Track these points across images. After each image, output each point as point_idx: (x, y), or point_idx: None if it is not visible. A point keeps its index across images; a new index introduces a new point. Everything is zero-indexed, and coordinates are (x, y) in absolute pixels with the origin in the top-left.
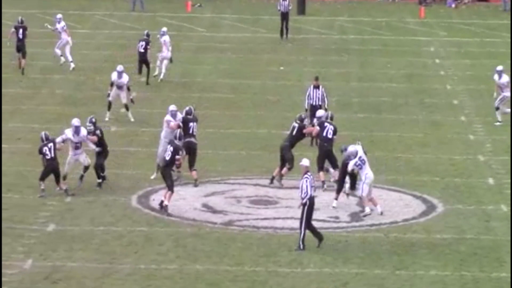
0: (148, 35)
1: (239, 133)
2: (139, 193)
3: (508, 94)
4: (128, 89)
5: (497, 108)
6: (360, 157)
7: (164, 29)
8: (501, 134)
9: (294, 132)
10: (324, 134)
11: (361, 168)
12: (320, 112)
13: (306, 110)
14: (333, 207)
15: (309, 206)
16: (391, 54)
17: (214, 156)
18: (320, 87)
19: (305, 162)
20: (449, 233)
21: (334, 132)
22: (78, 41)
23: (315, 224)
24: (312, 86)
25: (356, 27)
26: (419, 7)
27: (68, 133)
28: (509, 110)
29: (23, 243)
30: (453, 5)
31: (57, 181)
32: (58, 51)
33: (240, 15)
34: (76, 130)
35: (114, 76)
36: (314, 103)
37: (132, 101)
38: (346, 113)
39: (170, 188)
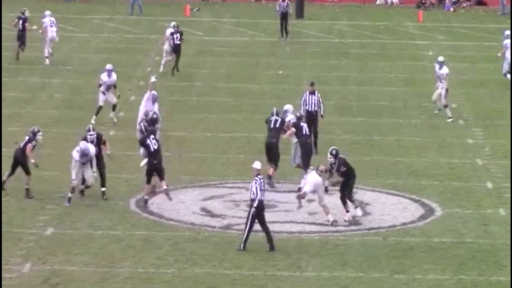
0: (177, 26)
1: (238, 137)
2: (138, 197)
3: (444, 86)
4: (115, 86)
5: (446, 106)
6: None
7: (173, 23)
8: (500, 138)
9: (278, 125)
10: (303, 132)
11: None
12: (287, 106)
13: (302, 116)
14: (344, 220)
15: (259, 209)
16: (390, 58)
17: (213, 160)
18: (316, 92)
19: (257, 165)
20: (447, 237)
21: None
22: (76, 45)
23: (313, 228)
24: (307, 92)
25: (355, 31)
26: (417, 11)
27: (75, 155)
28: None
29: (22, 247)
30: (452, 9)
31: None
32: (46, 50)
33: (239, 19)
34: (84, 153)
35: (104, 76)
36: (310, 109)
37: (118, 96)
38: (345, 117)
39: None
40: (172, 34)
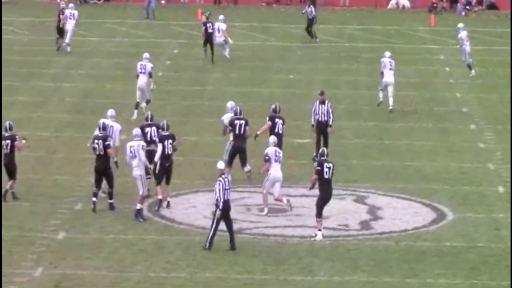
0: (208, 16)
1: (249, 141)
2: (149, 201)
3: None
4: (150, 75)
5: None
6: (276, 151)
7: (221, 17)
8: None
9: (242, 131)
10: (276, 130)
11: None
12: (228, 104)
13: (313, 126)
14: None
15: (224, 209)
16: (401, 62)
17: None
18: (326, 102)
19: (220, 165)
20: (459, 242)
21: (283, 125)
22: (88, 49)
23: (324, 232)
24: (318, 101)
25: (366, 35)
26: (429, 15)
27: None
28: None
29: (33, 251)
30: (463, 13)
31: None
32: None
33: (250, 23)
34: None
35: (138, 66)
36: (320, 119)
37: (151, 90)
38: (356, 121)
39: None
40: (204, 23)
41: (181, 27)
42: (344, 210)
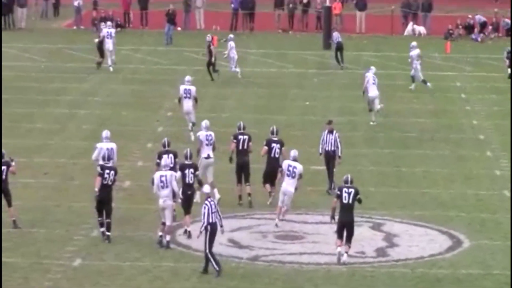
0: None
1: (264, 168)
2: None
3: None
4: (196, 100)
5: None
6: (289, 165)
7: (231, 35)
8: None
9: (245, 146)
10: (272, 155)
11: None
12: (203, 122)
13: (320, 154)
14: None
15: (210, 232)
16: (417, 89)
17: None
18: (334, 132)
19: (206, 189)
20: (475, 269)
21: (281, 149)
22: (104, 75)
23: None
24: (326, 131)
25: (382, 61)
26: (445, 42)
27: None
28: (379, 106)
29: (49, 278)
30: (479, 39)
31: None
32: (109, 61)
33: (266, 49)
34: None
35: (181, 90)
36: (327, 148)
37: (195, 100)
38: (372, 148)
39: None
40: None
41: (196, 54)
42: (360, 237)
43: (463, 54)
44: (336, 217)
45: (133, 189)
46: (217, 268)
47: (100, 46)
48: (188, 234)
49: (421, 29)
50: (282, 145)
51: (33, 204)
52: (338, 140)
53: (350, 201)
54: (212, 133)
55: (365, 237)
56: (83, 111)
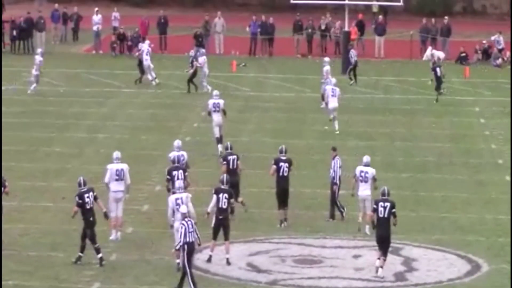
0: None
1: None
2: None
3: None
4: (224, 113)
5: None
6: (361, 171)
7: (203, 50)
8: None
9: (286, 173)
10: (280, 174)
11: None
12: (176, 142)
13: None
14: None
15: (187, 252)
16: (436, 114)
17: (259, 215)
18: (336, 158)
19: (183, 209)
20: None
21: (289, 167)
22: (123, 100)
23: (359, 283)
24: (332, 157)
25: (401, 86)
26: (463, 67)
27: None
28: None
29: None
30: (498, 62)
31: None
32: (149, 76)
33: (285, 74)
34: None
35: (210, 104)
36: (332, 175)
37: (224, 112)
38: (391, 172)
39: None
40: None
41: (215, 78)
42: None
43: (481, 79)
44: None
45: (151, 213)
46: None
47: (140, 63)
48: (227, 262)
49: (440, 54)
50: (290, 164)
51: (52, 228)
52: (338, 165)
53: (386, 215)
54: (185, 153)
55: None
56: (101, 135)
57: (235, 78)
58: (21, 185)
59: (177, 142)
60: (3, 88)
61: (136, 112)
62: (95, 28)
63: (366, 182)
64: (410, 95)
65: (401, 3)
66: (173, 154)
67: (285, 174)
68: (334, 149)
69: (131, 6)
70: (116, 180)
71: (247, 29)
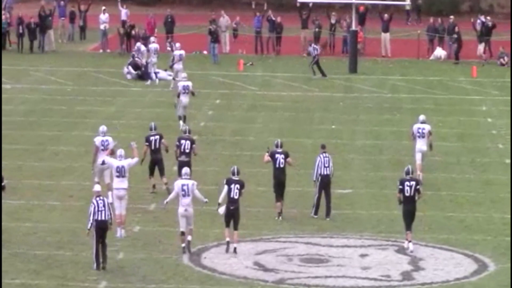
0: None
1: (291, 191)
2: (191, 250)
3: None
4: (193, 94)
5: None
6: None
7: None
8: None
9: (282, 165)
10: (277, 165)
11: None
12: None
13: (315, 180)
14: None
15: (96, 229)
16: (443, 113)
17: (266, 214)
18: (325, 154)
19: (96, 187)
20: None
21: (285, 159)
22: (131, 98)
23: (366, 283)
24: (321, 155)
25: (408, 86)
26: (471, 66)
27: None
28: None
29: None
30: (506, 59)
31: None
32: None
33: (292, 73)
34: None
35: (180, 86)
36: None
37: (193, 93)
38: (398, 171)
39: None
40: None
41: (222, 77)
42: (385, 260)
43: (489, 79)
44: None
45: (158, 211)
46: (95, 263)
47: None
48: (228, 248)
49: (442, 53)
50: (286, 156)
51: (59, 227)
52: (331, 162)
53: (412, 193)
54: (109, 139)
55: (391, 260)
56: (109, 134)
57: (242, 77)
58: (29, 183)
59: (102, 127)
60: (10, 86)
61: (142, 111)
62: (102, 27)
63: (423, 137)
64: (417, 94)
65: (408, 2)
66: (97, 139)
67: (281, 165)
68: (323, 146)
69: (138, 4)
70: (117, 177)
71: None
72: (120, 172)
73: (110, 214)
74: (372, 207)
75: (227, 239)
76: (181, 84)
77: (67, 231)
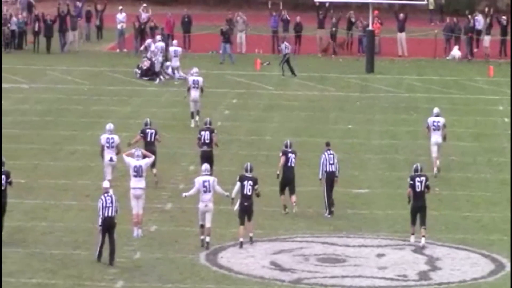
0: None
1: (307, 191)
2: (208, 250)
3: None
4: (202, 90)
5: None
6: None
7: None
8: None
9: (293, 163)
10: (289, 164)
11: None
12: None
13: (321, 179)
14: None
15: (105, 225)
16: (460, 113)
17: (282, 215)
18: (330, 151)
19: (105, 184)
20: None
21: (295, 158)
22: (147, 98)
23: (382, 282)
24: (326, 152)
25: (425, 85)
26: (487, 66)
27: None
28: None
29: None
30: None
31: None
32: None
33: (308, 73)
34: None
35: (190, 81)
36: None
37: (201, 90)
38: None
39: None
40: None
41: (239, 77)
42: (402, 260)
43: (506, 78)
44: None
45: (175, 211)
46: (97, 257)
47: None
48: (241, 245)
49: (456, 53)
50: (296, 155)
51: (76, 226)
52: (336, 159)
53: (423, 188)
54: (115, 137)
55: (407, 260)
56: (124, 134)
57: (259, 77)
58: (45, 183)
59: (109, 125)
60: (27, 86)
61: (158, 111)
62: (119, 26)
63: (438, 130)
64: (434, 94)
65: (425, 2)
66: (103, 137)
67: (293, 165)
68: (327, 144)
69: (154, 4)
70: (135, 176)
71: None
72: (138, 172)
73: (117, 210)
74: (388, 206)
75: (241, 238)
76: (191, 78)
77: (83, 231)
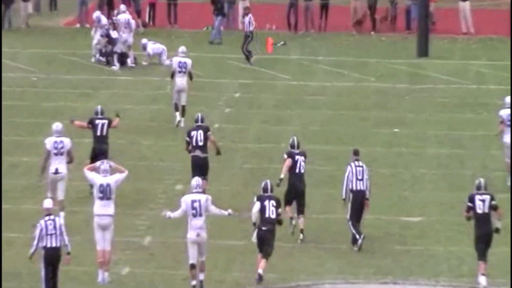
0: None
1: (336, 219)
2: None
3: None
4: (191, 77)
5: None
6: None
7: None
8: None
9: (302, 169)
10: (297, 170)
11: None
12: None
13: (344, 199)
14: None
15: (44, 258)
16: None
17: (304, 251)
18: (358, 162)
19: (47, 203)
20: None
21: (305, 162)
22: (118, 91)
23: None
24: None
25: (498, 73)
26: None
27: None
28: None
29: None
30: None
31: None
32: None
33: (339, 57)
34: None
35: (175, 62)
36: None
37: (191, 77)
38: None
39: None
40: None
41: (244, 63)
42: None
43: None
44: None
45: (155, 247)
46: None
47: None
48: (259, 277)
49: None
50: (306, 157)
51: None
52: (366, 173)
53: (486, 210)
54: (65, 140)
55: None
56: (87, 140)
57: (271, 62)
58: None
59: (56, 125)
60: None
61: (133, 108)
62: None
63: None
64: (509, 85)
65: None
66: (49, 141)
67: (302, 170)
68: (356, 152)
69: None
70: (101, 199)
71: None
72: (104, 193)
73: (64, 239)
74: (450, 241)
75: (259, 270)
76: (176, 60)
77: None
